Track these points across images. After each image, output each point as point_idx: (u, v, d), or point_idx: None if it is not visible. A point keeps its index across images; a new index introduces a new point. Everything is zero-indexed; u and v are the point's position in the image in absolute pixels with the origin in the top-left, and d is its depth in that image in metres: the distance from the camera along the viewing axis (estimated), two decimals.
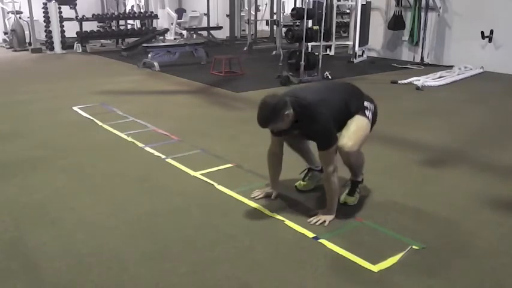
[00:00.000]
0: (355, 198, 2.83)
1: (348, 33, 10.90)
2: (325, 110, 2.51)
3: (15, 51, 11.35)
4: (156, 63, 8.13)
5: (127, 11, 14.28)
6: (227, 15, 13.03)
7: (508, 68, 7.53)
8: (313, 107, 2.50)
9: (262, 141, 3.99)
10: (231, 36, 12.71)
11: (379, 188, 3.05)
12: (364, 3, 8.91)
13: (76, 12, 11.81)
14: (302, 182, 3.04)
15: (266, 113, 2.44)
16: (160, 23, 12.96)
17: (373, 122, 2.74)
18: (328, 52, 9.73)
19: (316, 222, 2.56)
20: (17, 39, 11.46)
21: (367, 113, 2.68)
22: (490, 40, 7.72)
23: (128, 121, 4.73)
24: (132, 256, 2.25)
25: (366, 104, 2.71)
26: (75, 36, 11.18)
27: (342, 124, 2.62)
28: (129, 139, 4.09)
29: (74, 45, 11.20)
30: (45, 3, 10.65)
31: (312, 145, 2.72)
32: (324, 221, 2.56)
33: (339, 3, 10.03)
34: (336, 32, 10.15)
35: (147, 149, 3.84)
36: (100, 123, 4.60)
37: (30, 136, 4.27)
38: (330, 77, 6.89)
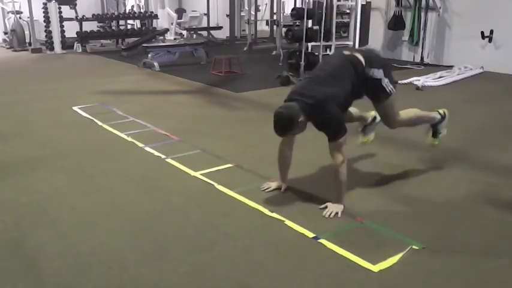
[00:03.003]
0: (440, 137, 3.32)
1: (348, 33, 10.89)
2: (332, 103, 2.64)
3: (15, 51, 11.36)
4: (156, 63, 8.13)
5: (127, 11, 14.28)
6: (227, 15, 13.02)
7: (508, 68, 7.53)
8: (321, 105, 2.61)
9: (262, 141, 4.00)
10: (231, 36, 12.70)
11: (379, 188, 3.05)
12: (364, 3, 8.90)
13: (76, 12, 11.81)
14: (362, 138, 3.35)
15: (283, 124, 2.62)
16: (160, 23, 12.96)
17: (391, 80, 2.92)
18: (328, 52, 9.70)
19: (330, 214, 2.63)
20: (17, 39, 11.46)
21: (385, 85, 2.86)
22: (490, 40, 7.72)
23: (128, 121, 4.73)
24: (132, 256, 2.26)
25: (376, 75, 2.82)
26: (75, 36, 11.18)
27: (358, 94, 2.84)
28: (129, 139, 4.09)
29: (74, 45, 11.20)
30: (45, 3, 10.65)
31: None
32: (337, 213, 2.64)
33: (339, 3, 9.99)
34: (336, 32, 10.13)
35: (147, 149, 3.84)
36: (100, 123, 4.60)
37: (30, 136, 4.27)
38: None
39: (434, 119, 3.26)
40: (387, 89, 2.87)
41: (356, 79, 2.78)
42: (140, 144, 3.95)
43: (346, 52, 2.91)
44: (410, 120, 3.15)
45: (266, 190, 2.98)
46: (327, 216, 2.62)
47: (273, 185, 3.01)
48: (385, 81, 2.85)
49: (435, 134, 3.30)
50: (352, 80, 2.77)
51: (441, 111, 3.31)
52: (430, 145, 3.34)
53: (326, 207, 2.69)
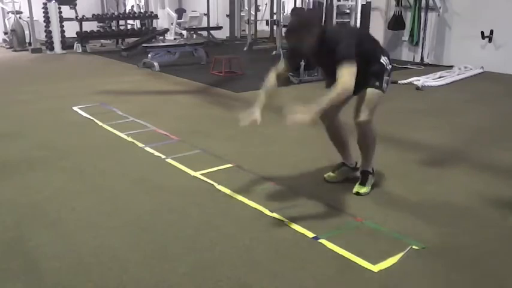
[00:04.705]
0: (368, 188, 2.93)
1: None
2: (347, 33, 2.70)
3: (15, 51, 11.35)
4: (156, 63, 8.13)
5: (127, 11, 14.28)
6: (227, 15, 13.02)
7: (508, 68, 7.53)
8: (341, 31, 2.71)
9: (262, 141, 4.00)
10: (231, 36, 12.70)
11: (379, 188, 3.04)
12: (364, 3, 8.91)
13: (76, 12, 11.81)
14: (332, 174, 3.11)
15: (299, 21, 2.56)
16: (160, 23, 12.96)
17: (390, 78, 2.82)
18: None
19: (295, 120, 2.38)
20: (17, 39, 11.45)
21: (383, 77, 2.76)
22: (490, 40, 7.72)
23: (128, 121, 4.73)
24: (132, 256, 2.26)
25: (383, 60, 2.76)
26: (75, 36, 11.18)
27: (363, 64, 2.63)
28: (129, 139, 4.09)
29: (74, 45, 11.20)
30: (45, 3, 10.65)
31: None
32: (302, 118, 2.38)
33: (339, 3, 10.01)
34: None
35: (147, 149, 3.84)
36: (100, 123, 4.60)
37: (30, 136, 4.27)
38: None
39: (369, 164, 2.97)
40: (383, 82, 2.77)
41: (373, 52, 2.77)
42: (140, 144, 3.95)
43: None
44: (372, 133, 2.85)
45: (250, 118, 2.71)
46: (289, 123, 2.37)
47: (249, 116, 2.74)
48: (386, 75, 2.78)
49: (363, 182, 2.95)
50: (370, 50, 2.76)
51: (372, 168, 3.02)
52: (357, 193, 2.91)
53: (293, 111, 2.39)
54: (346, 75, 2.46)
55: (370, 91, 2.75)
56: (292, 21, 2.57)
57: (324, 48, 2.58)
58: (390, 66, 2.82)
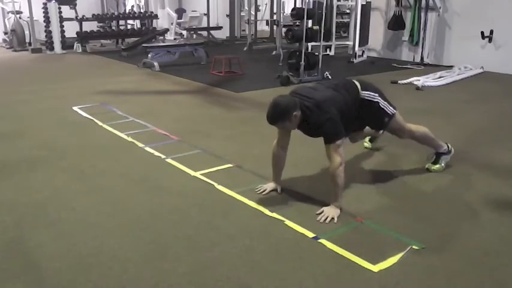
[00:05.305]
0: (440, 166, 3.29)
1: (348, 33, 10.91)
2: (331, 106, 2.65)
3: (15, 51, 11.36)
4: (156, 63, 8.13)
5: (127, 11, 14.28)
6: (227, 15, 13.03)
7: (508, 68, 7.53)
8: (320, 106, 2.63)
9: (262, 141, 4.00)
10: (231, 36, 12.71)
11: (379, 188, 3.05)
12: (364, 3, 8.91)
13: (76, 12, 11.81)
14: (366, 144, 3.69)
15: (276, 112, 2.60)
16: (160, 23, 12.97)
17: (389, 103, 3.00)
18: (328, 52, 9.73)
19: (326, 220, 2.58)
20: (17, 39, 11.46)
21: (384, 107, 2.94)
22: (490, 40, 7.72)
23: (128, 121, 4.73)
24: (132, 256, 2.26)
25: (372, 97, 2.90)
26: (75, 36, 11.19)
27: (358, 118, 2.91)
28: (129, 139, 4.09)
29: (74, 45, 11.20)
30: (45, 3, 10.65)
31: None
32: (333, 218, 2.59)
33: (339, 3, 10.03)
34: (336, 32, 10.16)
35: (147, 149, 3.84)
36: (100, 123, 4.60)
37: (30, 136, 4.27)
38: (330, 77, 6.89)
39: (439, 147, 3.30)
40: (388, 111, 2.95)
41: (354, 100, 2.84)
42: (140, 144, 3.95)
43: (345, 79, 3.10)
44: (418, 134, 3.19)
45: (263, 193, 2.94)
46: (321, 221, 2.57)
47: (268, 187, 2.98)
48: (382, 103, 2.94)
49: (435, 162, 3.31)
50: (352, 98, 2.82)
51: (449, 144, 3.35)
52: (427, 169, 3.33)
53: (322, 212, 2.65)
54: (335, 157, 2.61)
55: (390, 126, 3.04)
56: (269, 112, 2.61)
57: (307, 124, 2.67)
58: (377, 94, 2.92)
